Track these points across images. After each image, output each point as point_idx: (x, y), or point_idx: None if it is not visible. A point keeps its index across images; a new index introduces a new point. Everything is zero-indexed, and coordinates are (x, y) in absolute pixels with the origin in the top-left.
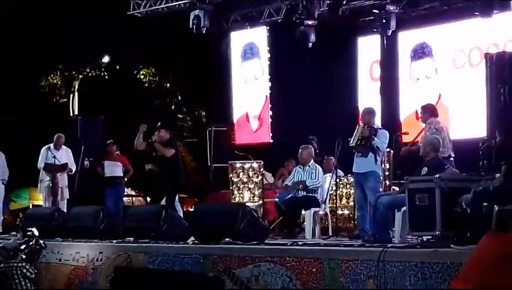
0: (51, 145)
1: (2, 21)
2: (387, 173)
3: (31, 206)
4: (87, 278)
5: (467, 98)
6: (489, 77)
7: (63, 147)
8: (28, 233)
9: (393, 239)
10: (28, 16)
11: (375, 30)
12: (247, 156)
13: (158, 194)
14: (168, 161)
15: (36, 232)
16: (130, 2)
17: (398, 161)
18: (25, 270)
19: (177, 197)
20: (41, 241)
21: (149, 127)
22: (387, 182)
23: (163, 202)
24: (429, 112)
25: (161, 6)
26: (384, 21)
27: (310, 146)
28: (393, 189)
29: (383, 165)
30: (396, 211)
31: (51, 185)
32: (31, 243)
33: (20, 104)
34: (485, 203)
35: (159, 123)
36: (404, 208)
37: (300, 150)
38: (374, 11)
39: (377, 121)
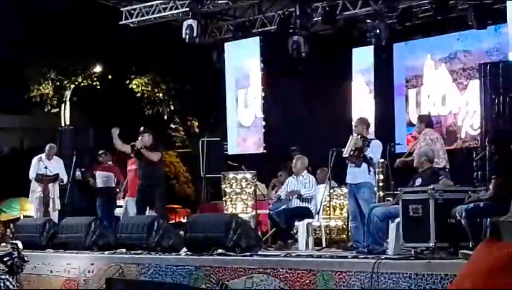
0: (43, 155)
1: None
2: (381, 184)
3: (21, 217)
4: (79, 289)
5: (463, 107)
6: (483, 87)
7: (55, 157)
8: (12, 245)
9: (387, 250)
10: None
11: (369, 40)
12: (240, 167)
13: (144, 201)
14: (155, 166)
15: (20, 245)
16: (122, 12)
17: (392, 172)
18: (8, 283)
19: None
20: (24, 255)
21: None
22: (381, 193)
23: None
24: (425, 122)
25: (153, 16)
26: (378, 31)
27: (304, 157)
28: (387, 200)
29: (376, 176)
30: (390, 222)
31: (42, 195)
32: (14, 255)
33: (12, 114)
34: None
35: (142, 128)
36: (398, 219)
37: (294, 161)
38: (367, 21)
39: (371, 132)
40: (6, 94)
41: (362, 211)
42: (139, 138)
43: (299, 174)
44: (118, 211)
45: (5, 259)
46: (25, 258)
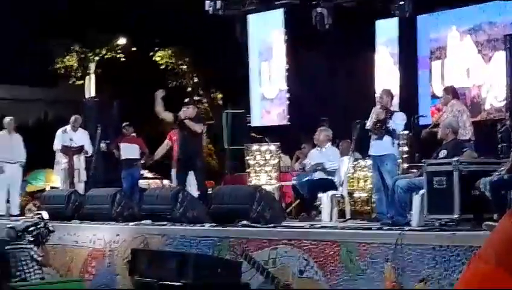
0: (67, 127)
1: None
2: (405, 156)
3: (47, 188)
4: (104, 260)
5: (487, 79)
6: (509, 58)
7: (80, 129)
8: (38, 216)
9: (411, 222)
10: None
11: (392, 12)
12: (264, 139)
13: (184, 173)
14: (197, 138)
15: (46, 216)
16: None
17: (416, 143)
18: (32, 253)
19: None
20: (50, 225)
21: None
22: (405, 165)
23: (190, 182)
24: (451, 93)
25: None
26: (402, 3)
27: (327, 128)
28: (411, 172)
29: (400, 147)
30: (414, 193)
31: (67, 167)
32: (40, 226)
33: (37, 86)
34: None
35: (187, 99)
36: (422, 191)
37: (317, 132)
38: None
39: (395, 104)
40: (31, 66)
41: (386, 182)
42: (183, 109)
43: (322, 146)
44: (142, 182)
45: (30, 229)
46: (50, 228)
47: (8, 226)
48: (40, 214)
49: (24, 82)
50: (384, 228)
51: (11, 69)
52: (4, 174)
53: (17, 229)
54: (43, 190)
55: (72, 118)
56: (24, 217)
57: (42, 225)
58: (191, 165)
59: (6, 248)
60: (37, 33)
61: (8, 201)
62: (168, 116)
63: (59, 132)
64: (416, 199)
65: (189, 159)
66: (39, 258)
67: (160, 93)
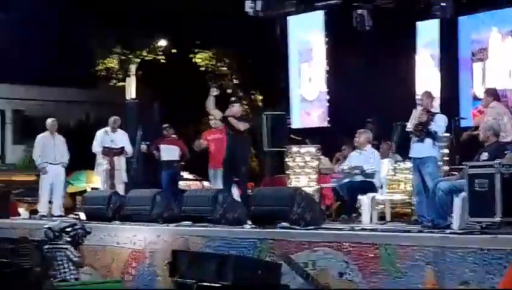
0: (107, 128)
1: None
2: (446, 158)
3: (88, 189)
4: (144, 261)
5: None
6: None
7: (119, 130)
8: (75, 217)
9: (452, 225)
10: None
11: (433, 14)
12: (304, 141)
13: (229, 173)
14: (241, 137)
15: (83, 217)
16: None
17: (457, 146)
18: (68, 253)
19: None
20: (87, 226)
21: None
22: (446, 167)
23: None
24: (492, 96)
25: None
26: (443, 5)
27: (367, 130)
28: (452, 174)
29: (441, 150)
30: (455, 196)
31: (108, 168)
32: (77, 226)
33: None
34: None
35: (233, 98)
36: (463, 194)
37: (357, 134)
38: None
39: (436, 106)
40: (73, 68)
41: (426, 185)
42: (230, 107)
43: (362, 148)
44: (182, 184)
45: (67, 229)
46: (88, 229)
47: (46, 226)
48: (77, 215)
49: (65, 84)
50: (425, 230)
51: (52, 71)
52: (47, 175)
53: (54, 230)
54: (84, 191)
55: (111, 120)
56: (62, 218)
57: (79, 225)
58: (234, 165)
59: (44, 247)
60: (78, 35)
61: (50, 202)
62: (217, 113)
63: (99, 133)
64: (457, 202)
65: (233, 159)
66: (75, 259)
67: (214, 91)
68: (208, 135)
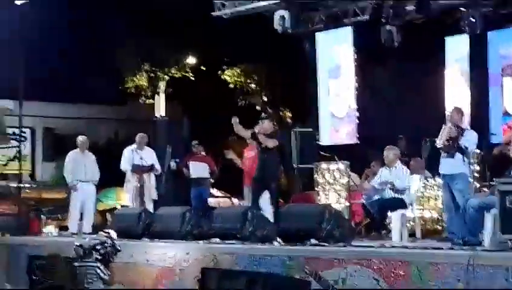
0: (134, 146)
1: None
2: (476, 175)
3: (117, 207)
4: (174, 278)
5: None
6: None
7: (146, 147)
8: (106, 234)
9: (483, 242)
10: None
11: (463, 29)
12: (333, 157)
13: (259, 190)
14: (270, 154)
15: (114, 235)
16: (215, 3)
17: (488, 162)
18: (98, 271)
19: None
20: (117, 244)
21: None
22: (477, 184)
23: (264, 201)
24: None
25: (246, 7)
26: (472, 20)
27: (395, 147)
28: (482, 191)
29: (471, 166)
30: (486, 213)
31: (138, 185)
32: (107, 244)
33: (108, 105)
34: None
35: (263, 114)
36: (494, 211)
37: (385, 152)
38: (461, 9)
39: (466, 122)
40: (102, 85)
41: (457, 202)
42: (259, 123)
43: (392, 165)
44: (212, 201)
45: (98, 247)
46: (118, 247)
47: (76, 244)
48: (108, 233)
49: (95, 101)
50: (456, 248)
51: (82, 89)
52: (77, 193)
53: (84, 247)
54: (114, 208)
55: (138, 137)
56: (92, 235)
57: (110, 243)
58: (265, 183)
59: (74, 265)
60: (108, 52)
61: (81, 219)
62: (246, 134)
63: (127, 151)
64: (489, 219)
65: (262, 177)
66: (105, 277)
67: (235, 120)
68: (245, 151)
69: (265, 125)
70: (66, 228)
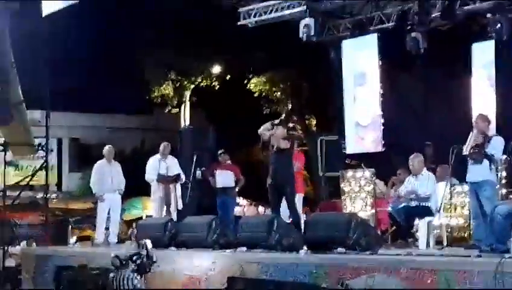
0: (158, 155)
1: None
2: (503, 181)
3: (144, 217)
4: (200, 287)
5: None
6: None
7: (170, 156)
8: (142, 245)
9: (511, 250)
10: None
11: (490, 35)
12: (359, 165)
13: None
14: (283, 156)
15: (150, 245)
16: (240, 12)
17: None
18: (135, 281)
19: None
20: (154, 255)
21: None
22: (504, 191)
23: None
24: None
25: (271, 15)
26: (499, 26)
27: (421, 154)
28: (510, 198)
29: (499, 173)
30: None
31: (163, 195)
32: (143, 255)
33: (134, 114)
34: None
35: (278, 120)
36: None
37: (410, 160)
38: (488, 15)
39: (492, 128)
40: (128, 95)
41: (484, 209)
42: (274, 129)
43: (418, 173)
44: (237, 209)
45: (134, 258)
46: (154, 258)
47: (113, 254)
48: (144, 243)
49: (121, 111)
50: (484, 255)
51: (107, 99)
52: (104, 203)
53: (121, 258)
54: (140, 218)
55: (161, 147)
56: (125, 245)
57: (145, 254)
58: (281, 188)
59: (110, 275)
60: (134, 61)
61: (107, 229)
62: (265, 135)
63: (152, 160)
64: None
65: (279, 183)
66: (142, 288)
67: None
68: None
69: (279, 131)
70: (86, 238)
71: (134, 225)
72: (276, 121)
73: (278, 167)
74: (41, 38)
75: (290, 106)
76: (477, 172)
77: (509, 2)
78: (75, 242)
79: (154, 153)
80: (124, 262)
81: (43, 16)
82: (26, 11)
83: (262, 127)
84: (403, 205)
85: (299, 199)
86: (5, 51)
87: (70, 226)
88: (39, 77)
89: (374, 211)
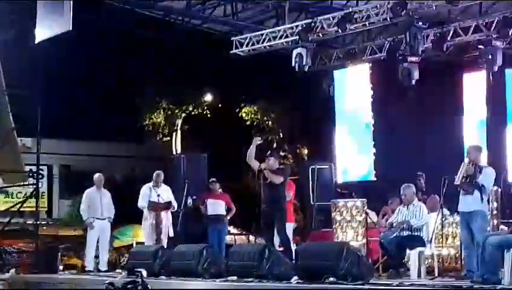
0: (151, 183)
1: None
2: (495, 212)
3: (134, 244)
4: None
5: None
6: None
7: (163, 185)
8: (136, 273)
9: (502, 280)
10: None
11: (481, 66)
12: (350, 195)
13: (267, 224)
14: (275, 189)
15: (144, 274)
16: (233, 41)
17: (506, 200)
18: None
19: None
20: (147, 284)
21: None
22: (495, 221)
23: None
24: None
25: (263, 44)
26: (490, 57)
27: (412, 185)
28: (501, 229)
29: (490, 204)
30: (505, 251)
31: (154, 223)
32: (138, 283)
33: (124, 142)
34: None
35: (269, 151)
36: None
37: (402, 190)
38: (479, 46)
39: (483, 159)
40: (119, 123)
41: (475, 239)
42: (266, 160)
43: (409, 203)
44: (228, 238)
45: (128, 286)
46: (148, 286)
47: (107, 282)
48: (139, 271)
49: (111, 139)
50: (475, 286)
51: (98, 126)
52: (93, 230)
53: (116, 286)
54: (130, 246)
55: (155, 174)
56: (117, 273)
57: (140, 282)
58: (271, 216)
59: None
60: (124, 90)
61: (96, 257)
62: (255, 164)
63: (145, 188)
64: (508, 257)
65: (269, 210)
66: None
67: (257, 140)
68: None
69: (270, 162)
70: (72, 267)
71: (124, 252)
72: (268, 153)
73: (270, 199)
74: (33, 65)
75: (281, 135)
76: (468, 202)
77: (499, 34)
78: (62, 270)
79: (145, 181)
80: None
81: (36, 42)
82: (18, 39)
83: (248, 154)
84: (394, 235)
85: (289, 228)
86: None
87: (59, 254)
88: (30, 104)
89: (365, 240)
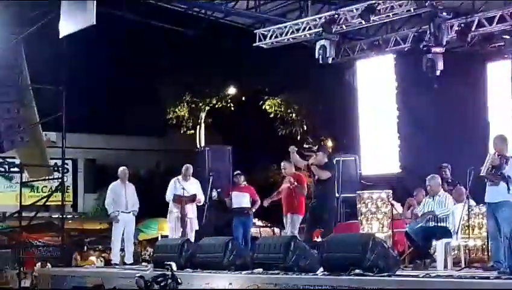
0: (180, 176)
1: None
2: None
3: (159, 237)
4: None
5: None
6: None
7: (191, 178)
8: (167, 267)
9: None
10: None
11: (506, 56)
12: (375, 186)
13: (312, 219)
14: (322, 185)
15: (174, 267)
16: (256, 34)
17: None
18: None
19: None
20: (178, 277)
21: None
22: None
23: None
24: None
25: (286, 37)
26: None
27: (437, 176)
28: None
29: None
30: None
31: (179, 216)
32: (168, 276)
33: (149, 136)
34: None
35: (317, 146)
36: None
37: (427, 181)
38: (504, 36)
39: (509, 149)
40: (144, 117)
41: (502, 230)
42: (314, 156)
43: (435, 194)
44: (254, 231)
45: (159, 279)
46: (179, 280)
47: (137, 275)
48: (169, 264)
49: (136, 133)
50: (503, 277)
51: (123, 120)
52: (118, 224)
53: (146, 279)
54: (156, 239)
55: (184, 168)
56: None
57: (170, 275)
58: (319, 211)
59: None
60: (149, 84)
61: (122, 250)
62: (301, 163)
63: (172, 181)
64: None
65: (317, 206)
66: None
67: (293, 150)
68: (283, 183)
69: (319, 157)
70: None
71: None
72: (316, 148)
73: (318, 195)
74: (58, 60)
75: (305, 127)
76: (495, 193)
77: None
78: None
79: (170, 174)
80: (148, 283)
81: (60, 37)
82: (43, 33)
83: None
84: (420, 225)
85: (298, 220)
86: (22, 73)
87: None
88: (55, 99)
89: (390, 232)
